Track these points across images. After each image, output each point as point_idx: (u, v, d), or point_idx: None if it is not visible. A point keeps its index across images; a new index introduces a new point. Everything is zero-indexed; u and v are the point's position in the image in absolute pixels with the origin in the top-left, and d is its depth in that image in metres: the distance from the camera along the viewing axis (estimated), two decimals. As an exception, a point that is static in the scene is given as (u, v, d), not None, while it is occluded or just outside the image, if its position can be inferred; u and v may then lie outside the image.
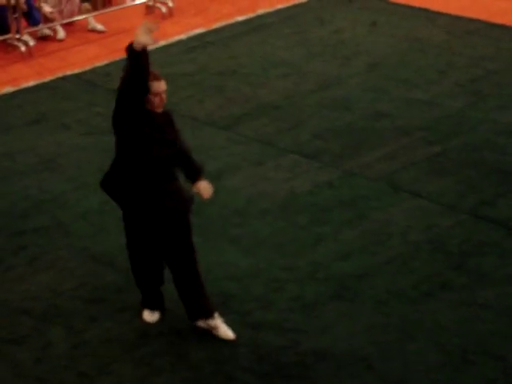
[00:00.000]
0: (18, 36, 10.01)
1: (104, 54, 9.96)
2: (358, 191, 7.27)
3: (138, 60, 5.07)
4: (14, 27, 10.00)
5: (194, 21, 10.85)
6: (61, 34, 10.46)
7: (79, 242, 6.69)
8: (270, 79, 9.28)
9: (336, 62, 9.61)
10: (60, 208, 7.14)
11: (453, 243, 6.59)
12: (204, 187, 5.68)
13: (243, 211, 7.05)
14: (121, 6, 11.12)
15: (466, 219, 6.87)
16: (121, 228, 6.71)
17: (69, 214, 7.06)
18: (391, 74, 9.30)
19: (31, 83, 9.36)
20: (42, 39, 10.39)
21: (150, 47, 5.08)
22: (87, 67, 9.67)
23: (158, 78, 5.35)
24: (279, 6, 11.17)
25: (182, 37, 10.42)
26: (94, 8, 10.83)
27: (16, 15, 9.99)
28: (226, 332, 5.67)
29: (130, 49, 5.10)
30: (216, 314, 5.66)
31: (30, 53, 9.97)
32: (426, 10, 10.91)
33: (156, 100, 5.34)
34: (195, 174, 5.68)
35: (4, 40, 10.04)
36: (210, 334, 5.68)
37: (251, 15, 10.95)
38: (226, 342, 5.65)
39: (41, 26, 10.34)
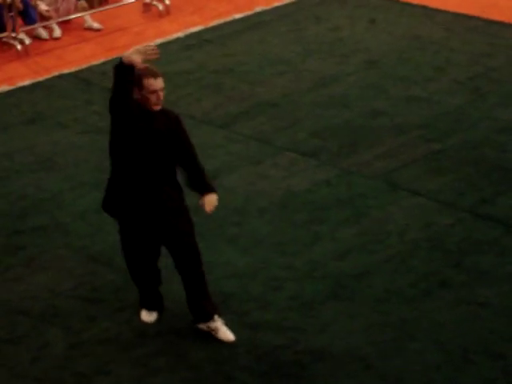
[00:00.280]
0: (13, 34, 9.98)
1: (100, 53, 9.93)
2: (355, 189, 7.25)
3: (121, 72, 5.16)
4: (9, 26, 9.97)
5: (191, 19, 10.82)
6: (57, 32, 10.43)
7: (77, 242, 6.66)
8: (268, 77, 9.26)
9: (334, 60, 9.58)
10: (58, 207, 7.12)
11: (452, 241, 6.57)
12: (209, 201, 5.52)
13: (241, 210, 7.03)
14: (117, 4, 11.09)
15: (465, 217, 6.85)
16: (118, 228, 6.69)
17: (67, 213, 7.04)
18: (389, 72, 9.28)
19: (27, 82, 9.33)
20: (38, 39, 10.36)
21: (137, 65, 5.15)
22: (84, 66, 9.64)
23: (154, 75, 5.31)
24: (276, 4, 11.14)
25: (179, 35, 10.39)
26: (91, 6, 10.79)
27: (12, 14, 9.95)
28: (225, 334, 5.64)
29: (119, 61, 5.19)
30: (216, 317, 5.63)
31: (26, 51, 9.94)
32: (424, 7, 10.88)
33: (152, 98, 5.30)
34: (204, 189, 5.55)
35: (0, 38, 10.00)
36: (209, 335, 5.66)
37: (248, 13, 10.92)
38: (224, 342, 5.63)
39: (37, 24, 10.30)
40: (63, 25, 10.60)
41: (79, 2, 10.76)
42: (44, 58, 9.88)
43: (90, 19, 10.69)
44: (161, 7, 10.99)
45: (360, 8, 10.94)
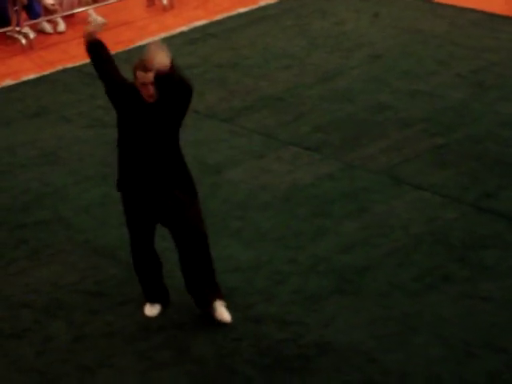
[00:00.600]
0: (18, 29, 9.99)
1: (105, 47, 9.93)
2: (359, 183, 7.25)
3: (92, 49, 5.76)
4: (14, 20, 9.98)
5: (196, 13, 10.82)
6: (61, 26, 10.43)
7: (81, 236, 6.67)
8: (272, 71, 9.26)
9: (338, 54, 9.58)
10: (61, 201, 7.13)
11: (455, 235, 6.57)
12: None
13: (244, 204, 7.03)
14: (121, -2, 11.09)
15: (468, 211, 6.85)
16: (122, 221, 6.70)
17: (70, 207, 7.05)
18: (393, 66, 9.27)
19: (32, 76, 9.34)
20: (43, 33, 10.36)
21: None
22: (88, 60, 9.60)
23: (144, 69, 5.30)
24: (280, -2, 11.14)
25: (183, 29, 10.39)
26: (95, 0, 10.79)
27: (16, 8, 9.96)
28: (221, 314, 5.66)
29: (88, 43, 5.81)
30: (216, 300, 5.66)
31: (31, 45, 9.94)
32: (428, 1, 10.87)
33: (143, 90, 5.33)
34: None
35: (4, 33, 10.02)
36: (213, 328, 5.67)
37: (253, 7, 10.91)
38: (228, 335, 5.63)
39: (41, 18, 10.31)
40: (67, 19, 10.60)
41: (83, -4, 10.77)
42: (48, 52, 9.88)
43: (94, 13, 10.67)
44: (165, 1, 10.99)
45: (364, 2, 10.92)
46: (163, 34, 10.14)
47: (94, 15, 10.97)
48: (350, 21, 10.41)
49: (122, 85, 5.48)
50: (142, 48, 9.79)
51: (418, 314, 5.80)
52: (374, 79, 8.99)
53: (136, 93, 5.40)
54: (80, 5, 10.66)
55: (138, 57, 5.35)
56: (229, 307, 5.77)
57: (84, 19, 10.66)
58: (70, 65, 9.54)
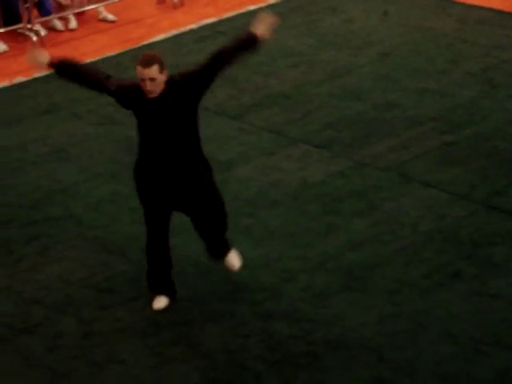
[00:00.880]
0: (29, 26, 10.02)
1: (115, 44, 9.96)
2: (369, 181, 7.26)
3: (58, 73, 5.75)
4: (25, 17, 10.00)
5: (205, 10, 10.83)
6: (73, 23, 10.45)
7: (91, 232, 6.70)
8: (281, 69, 9.26)
9: (347, 52, 9.58)
10: (72, 198, 7.16)
11: (464, 233, 6.58)
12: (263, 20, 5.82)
13: (254, 201, 7.05)
14: (132, -4, 11.10)
15: (477, 209, 6.86)
16: (132, 218, 6.74)
17: (80, 204, 7.07)
18: (403, 64, 9.27)
19: (43, 73, 9.36)
20: (53, 30, 10.39)
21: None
22: (98, 57, 9.67)
23: (143, 64, 5.31)
24: (290, -4, 11.14)
25: (193, 26, 10.40)
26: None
27: (27, 5, 9.99)
28: (230, 261, 5.93)
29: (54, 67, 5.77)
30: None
31: (42, 43, 9.97)
32: (437, -1, 10.86)
33: (143, 85, 5.35)
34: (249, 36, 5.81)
35: (15, 30, 10.04)
36: (222, 324, 5.69)
37: (262, 4, 10.91)
38: (237, 331, 5.65)
39: (52, 15, 10.34)
40: (78, 16, 10.61)
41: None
42: (59, 50, 9.89)
43: (104, 11, 10.71)
44: (175, -1, 11.01)
45: (374, 0, 10.92)
46: (173, 32, 10.15)
47: (105, 13, 10.97)
48: (359, 18, 10.41)
49: (117, 86, 5.50)
50: (151, 45, 9.84)
51: (427, 311, 5.81)
52: (383, 77, 8.99)
53: (137, 89, 5.41)
54: (90, 2, 10.67)
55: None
56: (238, 304, 5.80)
57: (94, 17, 10.71)
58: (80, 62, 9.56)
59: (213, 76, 5.53)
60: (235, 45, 5.62)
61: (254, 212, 6.90)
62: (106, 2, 10.75)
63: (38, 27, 10.06)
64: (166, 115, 5.42)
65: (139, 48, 9.78)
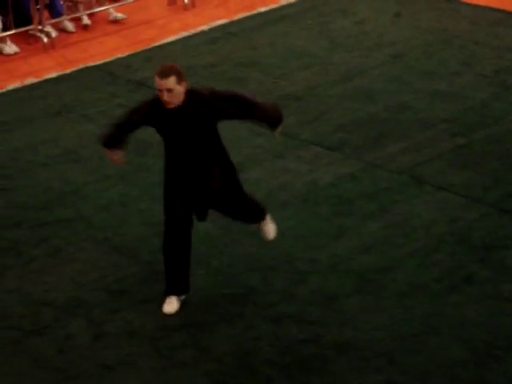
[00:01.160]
0: (40, 27, 10.02)
1: (125, 46, 9.95)
2: (380, 183, 7.23)
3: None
4: (36, 18, 10.01)
5: (216, 12, 10.82)
6: (86, 21, 10.44)
7: (101, 234, 6.69)
8: (292, 70, 9.24)
9: (359, 53, 9.55)
10: (82, 200, 7.15)
11: (477, 236, 6.53)
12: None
13: (265, 203, 7.00)
14: (142, -3, 11.10)
15: (490, 212, 6.81)
16: (143, 219, 6.74)
17: (91, 205, 7.06)
18: (415, 66, 9.23)
19: (53, 74, 9.37)
20: (64, 31, 10.39)
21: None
22: (108, 58, 9.67)
23: (160, 75, 5.37)
24: (301, -3, 11.12)
25: (204, 28, 10.39)
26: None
27: (38, 6, 10.00)
28: (266, 232, 6.09)
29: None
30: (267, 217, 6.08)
31: (53, 44, 9.97)
32: (450, 1, 10.81)
33: (160, 95, 5.39)
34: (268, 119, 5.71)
35: (26, 31, 10.05)
36: (233, 327, 5.67)
37: (273, 6, 10.90)
38: (247, 334, 5.63)
39: (63, 17, 10.34)
40: (88, 18, 10.61)
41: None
42: (70, 51, 9.91)
43: (113, 11, 10.71)
44: (186, 0, 10.99)
45: (385, 1, 10.89)
46: (184, 33, 10.14)
47: (114, 13, 10.93)
48: (371, 20, 10.37)
49: (137, 115, 5.59)
50: (162, 47, 9.84)
51: (439, 314, 5.77)
52: (396, 79, 8.96)
53: (156, 100, 5.46)
54: (99, 4, 10.67)
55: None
56: (248, 306, 5.77)
57: (104, 18, 10.71)
58: (90, 63, 9.56)
59: (232, 117, 5.64)
60: (259, 116, 5.66)
61: (265, 214, 6.87)
62: (117, 4, 10.74)
63: (48, 28, 10.06)
64: (186, 124, 5.45)
65: (150, 49, 9.79)
